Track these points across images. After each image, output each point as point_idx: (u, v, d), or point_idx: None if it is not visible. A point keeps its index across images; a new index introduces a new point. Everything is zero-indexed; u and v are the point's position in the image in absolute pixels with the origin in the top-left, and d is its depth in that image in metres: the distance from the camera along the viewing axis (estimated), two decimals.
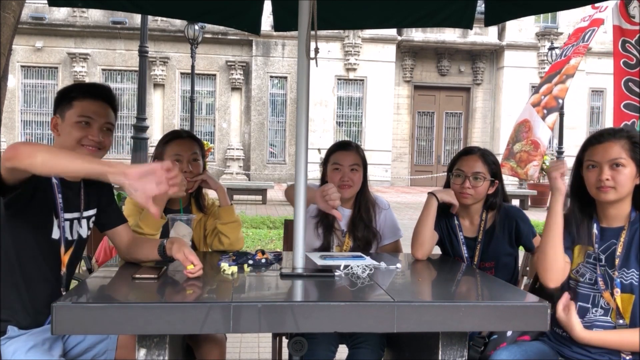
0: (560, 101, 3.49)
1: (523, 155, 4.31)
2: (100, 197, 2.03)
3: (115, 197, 2.13)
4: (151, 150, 2.63)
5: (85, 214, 1.97)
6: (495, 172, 2.34)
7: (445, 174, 2.43)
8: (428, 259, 2.31)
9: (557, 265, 1.90)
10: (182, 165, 2.32)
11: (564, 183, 1.89)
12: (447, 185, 2.40)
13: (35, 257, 1.82)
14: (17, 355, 1.72)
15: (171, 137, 2.39)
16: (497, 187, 2.35)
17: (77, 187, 1.93)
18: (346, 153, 2.53)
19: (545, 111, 4.14)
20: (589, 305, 1.91)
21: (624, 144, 1.84)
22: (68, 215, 1.89)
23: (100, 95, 1.92)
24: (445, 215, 2.39)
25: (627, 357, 1.81)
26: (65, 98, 1.89)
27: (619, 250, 1.86)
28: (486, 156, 2.35)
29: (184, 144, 2.35)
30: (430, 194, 2.29)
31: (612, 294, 1.86)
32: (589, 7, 4.05)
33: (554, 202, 1.89)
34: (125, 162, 1.50)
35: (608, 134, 1.89)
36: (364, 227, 2.50)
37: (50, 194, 1.84)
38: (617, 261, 1.86)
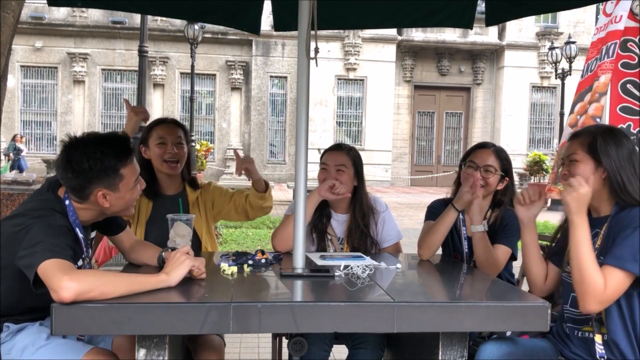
0: (598, 120, 3.48)
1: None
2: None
3: None
4: None
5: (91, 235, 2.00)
6: (506, 168, 2.35)
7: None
8: (428, 259, 2.30)
9: (539, 279, 2.00)
10: (167, 147, 2.43)
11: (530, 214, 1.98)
12: (457, 179, 2.41)
13: None
14: (15, 355, 1.72)
15: (156, 123, 2.52)
16: (506, 184, 2.35)
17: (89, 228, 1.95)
18: (334, 153, 2.48)
19: None
20: None
21: (583, 139, 1.89)
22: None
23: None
24: None
25: None
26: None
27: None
28: (499, 152, 2.37)
29: (168, 128, 2.47)
30: (452, 207, 2.27)
31: None
32: (595, 12, 4.01)
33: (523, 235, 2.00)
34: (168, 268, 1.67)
35: (572, 134, 1.98)
36: (361, 235, 2.45)
37: (78, 247, 1.81)
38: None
